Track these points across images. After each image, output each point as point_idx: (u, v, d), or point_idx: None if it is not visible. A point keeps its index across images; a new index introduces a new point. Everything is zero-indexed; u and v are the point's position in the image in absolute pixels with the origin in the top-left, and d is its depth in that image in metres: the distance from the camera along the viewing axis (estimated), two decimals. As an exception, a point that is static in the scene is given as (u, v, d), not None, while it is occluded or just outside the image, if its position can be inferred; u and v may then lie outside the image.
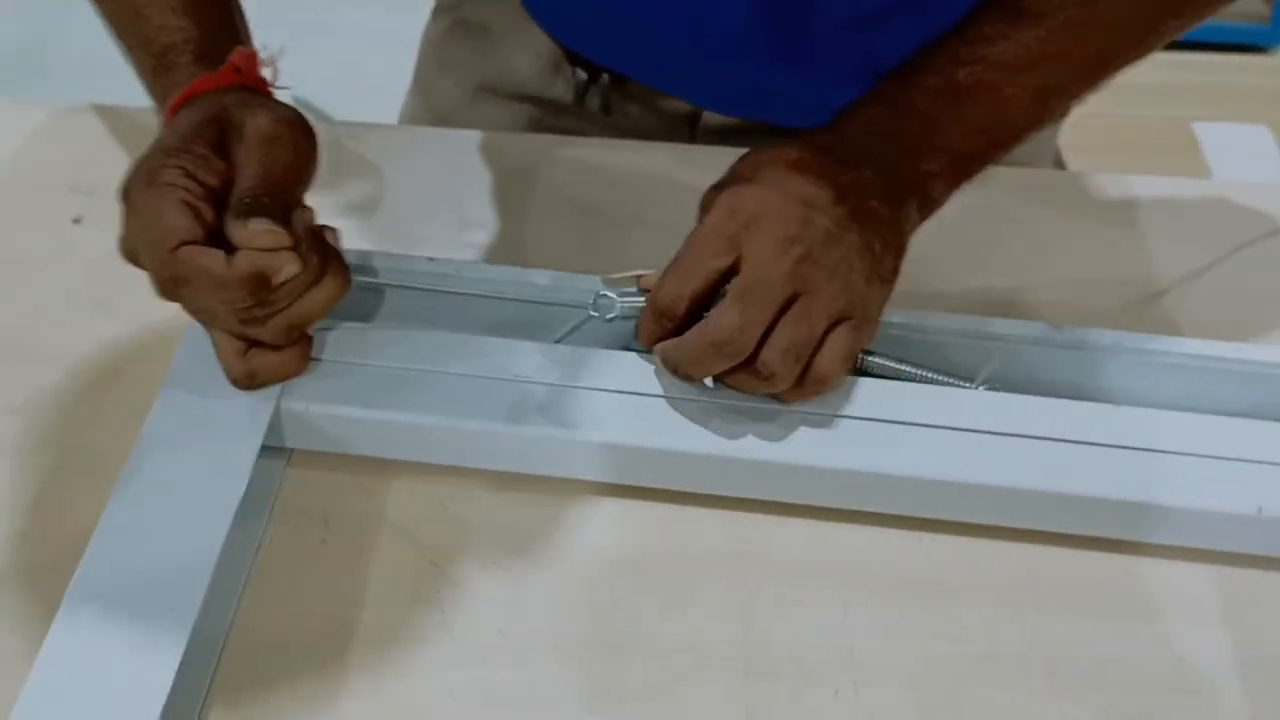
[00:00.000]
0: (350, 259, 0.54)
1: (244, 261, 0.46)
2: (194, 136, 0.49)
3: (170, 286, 0.48)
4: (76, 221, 0.65)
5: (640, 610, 0.52)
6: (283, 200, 0.48)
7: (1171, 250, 0.68)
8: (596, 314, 0.55)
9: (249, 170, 0.48)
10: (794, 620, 0.52)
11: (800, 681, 0.50)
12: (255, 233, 0.46)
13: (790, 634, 0.51)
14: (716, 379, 0.52)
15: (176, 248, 0.46)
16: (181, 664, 0.45)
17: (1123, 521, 0.53)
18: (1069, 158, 0.83)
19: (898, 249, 0.53)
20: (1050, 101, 0.52)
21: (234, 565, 0.51)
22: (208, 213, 0.47)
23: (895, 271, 0.53)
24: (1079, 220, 0.69)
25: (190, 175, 0.47)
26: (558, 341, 0.58)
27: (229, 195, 0.48)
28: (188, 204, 0.47)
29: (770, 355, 0.48)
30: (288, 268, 0.47)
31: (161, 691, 0.44)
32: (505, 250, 0.66)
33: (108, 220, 0.64)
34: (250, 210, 0.47)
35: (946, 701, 0.50)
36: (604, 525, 0.55)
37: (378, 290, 0.59)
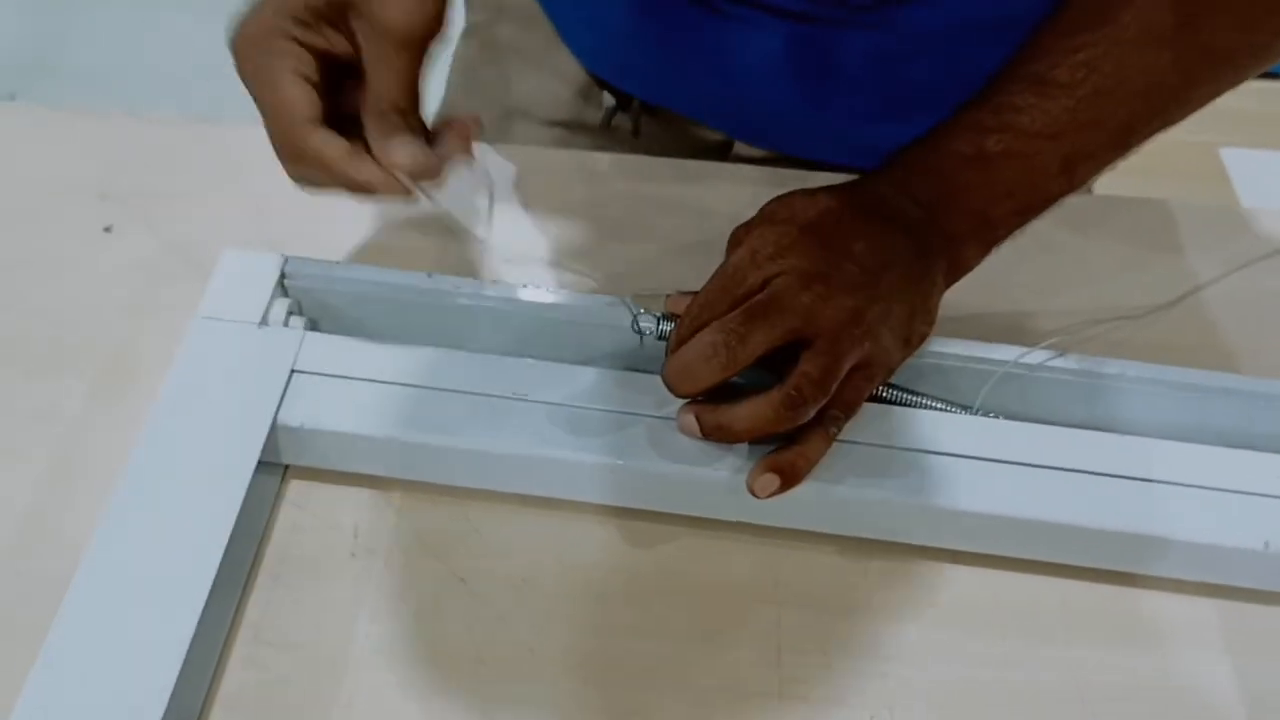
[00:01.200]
0: (351, 273, 0.56)
1: (368, 173, 0.47)
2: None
3: (286, 159, 0.48)
4: (107, 230, 0.65)
5: (671, 634, 0.52)
6: (419, 116, 0.48)
7: (1190, 274, 0.68)
8: (636, 331, 0.55)
9: (388, 79, 0.46)
10: (826, 646, 0.52)
11: (834, 707, 0.50)
12: (401, 162, 0.46)
13: (822, 660, 0.51)
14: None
15: (298, 128, 0.47)
16: (178, 680, 0.45)
17: (1128, 554, 0.53)
18: (1097, 181, 0.82)
19: (926, 313, 0.53)
20: (1079, 169, 0.52)
21: (231, 579, 0.51)
22: (321, 84, 0.47)
23: (923, 338, 0.53)
24: (1102, 243, 0.69)
25: (304, 45, 0.46)
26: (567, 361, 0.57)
27: (344, 64, 0.47)
28: (304, 78, 0.46)
29: (804, 383, 0.48)
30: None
31: (158, 708, 0.44)
32: (526, 266, 0.66)
33: (138, 228, 0.65)
34: (395, 129, 0.47)
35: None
36: (634, 548, 0.55)
37: (377, 305, 0.58)
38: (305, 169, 0.48)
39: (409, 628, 0.51)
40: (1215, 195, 1.28)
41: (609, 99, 0.78)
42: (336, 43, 0.47)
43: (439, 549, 0.53)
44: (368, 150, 0.48)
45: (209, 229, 0.65)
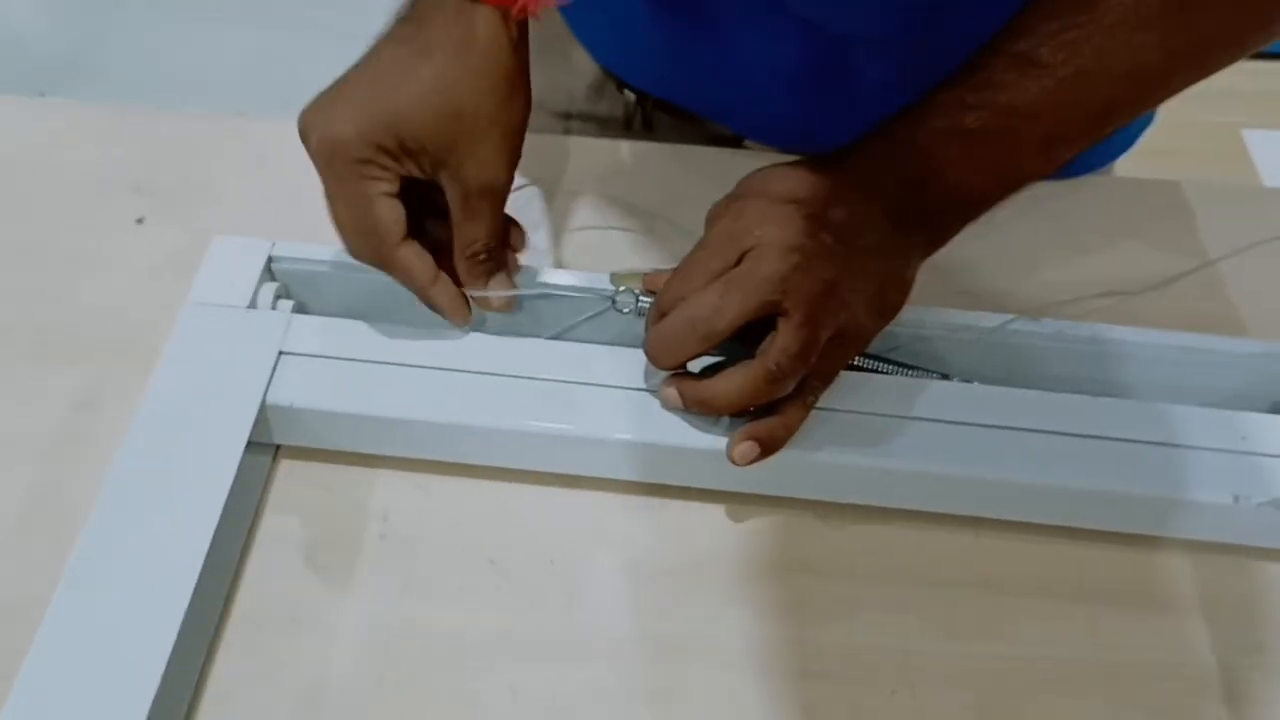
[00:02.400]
0: (337, 256, 0.57)
1: (443, 300, 0.53)
2: (406, 135, 0.49)
3: (365, 261, 0.52)
4: (139, 222, 0.66)
5: (697, 610, 0.52)
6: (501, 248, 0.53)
7: (1206, 251, 0.68)
8: (615, 308, 0.56)
9: (479, 228, 0.51)
10: (848, 621, 0.52)
11: (857, 683, 0.50)
12: (496, 306, 0.55)
13: (845, 635, 0.52)
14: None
15: (389, 249, 0.51)
16: (171, 658, 0.45)
17: (1108, 513, 0.54)
18: (1118, 162, 0.82)
19: (902, 284, 0.53)
20: (1057, 148, 0.52)
21: (222, 561, 0.52)
22: (404, 198, 0.51)
23: (897, 308, 0.53)
24: (1119, 223, 0.69)
25: (391, 170, 0.49)
26: (551, 338, 0.58)
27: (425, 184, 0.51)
28: (393, 197, 0.50)
29: (784, 357, 0.48)
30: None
31: (150, 687, 0.44)
32: (534, 250, 0.66)
33: (170, 221, 0.66)
34: (486, 272, 0.53)
35: (1004, 706, 0.50)
36: (655, 525, 0.55)
37: (365, 287, 0.58)
38: (385, 270, 0.53)
39: (454, 610, 0.52)
40: (1238, 176, 1.27)
41: (628, 95, 0.78)
42: (417, 172, 0.50)
43: (470, 528, 0.54)
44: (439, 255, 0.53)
45: (240, 222, 0.66)
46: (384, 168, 0.49)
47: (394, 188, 0.50)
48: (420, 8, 0.49)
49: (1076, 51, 0.49)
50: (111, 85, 2.03)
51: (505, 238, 0.55)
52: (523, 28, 0.49)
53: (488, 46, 0.48)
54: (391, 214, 0.50)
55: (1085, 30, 0.49)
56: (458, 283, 0.54)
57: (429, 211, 0.53)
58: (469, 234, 0.52)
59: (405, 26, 0.50)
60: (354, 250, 0.52)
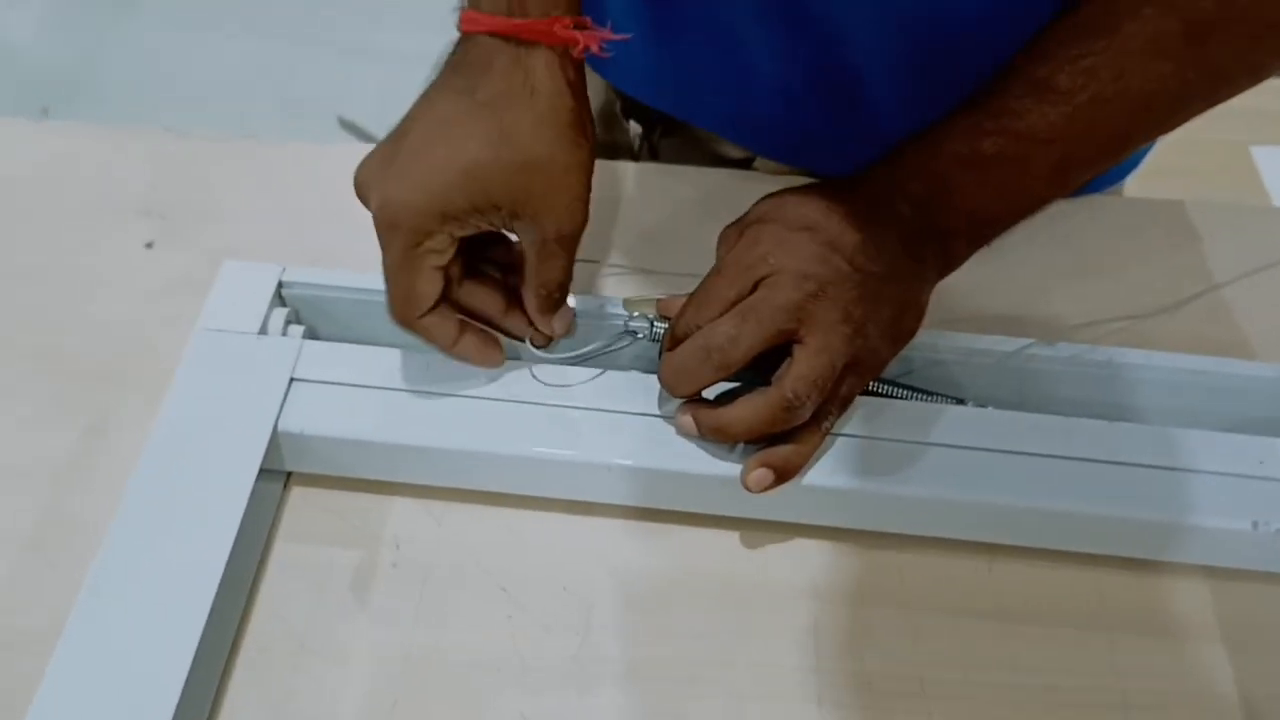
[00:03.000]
0: (347, 281, 0.58)
1: (466, 353, 0.53)
2: (477, 195, 0.48)
3: (398, 323, 0.52)
4: (149, 246, 0.66)
5: (711, 637, 0.52)
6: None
7: (1216, 272, 0.67)
8: (629, 334, 0.55)
9: (555, 271, 0.51)
10: (863, 649, 0.52)
11: (873, 710, 0.50)
12: (560, 332, 0.54)
13: (859, 663, 0.51)
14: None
15: (416, 316, 0.51)
16: (185, 687, 0.45)
17: (1125, 538, 0.54)
18: (1126, 179, 0.82)
19: (916, 309, 0.53)
20: (1071, 173, 0.52)
21: (235, 589, 0.51)
22: (454, 267, 0.51)
23: (911, 334, 0.53)
24: (1129, 243, 0.69)
25: (451, 235, 0.49)
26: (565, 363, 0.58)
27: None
28: (440, 269, 0.50)
29: (800, 385, 0.48)
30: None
31: (168, 711, 0.44)
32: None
33: (178, 244, 0.66)
34: (555, 305, 0.53)
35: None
36: (667, 551, 0.55)
37: (374, 312, 0.57)
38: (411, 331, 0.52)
39: (467, 638, 0.52)
40: (1247, 193, 1.27)
41: (634, 125, 0.78)
42: (488, 226, 0.49)
43: (480, 555, 0.54)
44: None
45: (249, 244, 0.66)
46: (445, 236, 0.49)
47: (444, 260, 0.50)
48: (473, 54, 0.47)
49: (1094, 78, 0.49)
50: (112, 102, 2.03)
51: None
52: (580, 68, 0.48)
53: (551, 92, 0.47)
54: (429, 287, 0.50)
55: (1103, 57, 0.49)
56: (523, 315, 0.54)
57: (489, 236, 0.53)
58: (544, 276, 0.51)
59: (460, 76, 0.48)
60: (388, 306, 0.51)
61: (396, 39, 2.14)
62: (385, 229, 0.48)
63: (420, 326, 0.51)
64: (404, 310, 0.51)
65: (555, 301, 0.53)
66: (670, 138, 0.79)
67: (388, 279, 0.50)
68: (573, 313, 0.55)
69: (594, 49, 0.47)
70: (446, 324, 0.52)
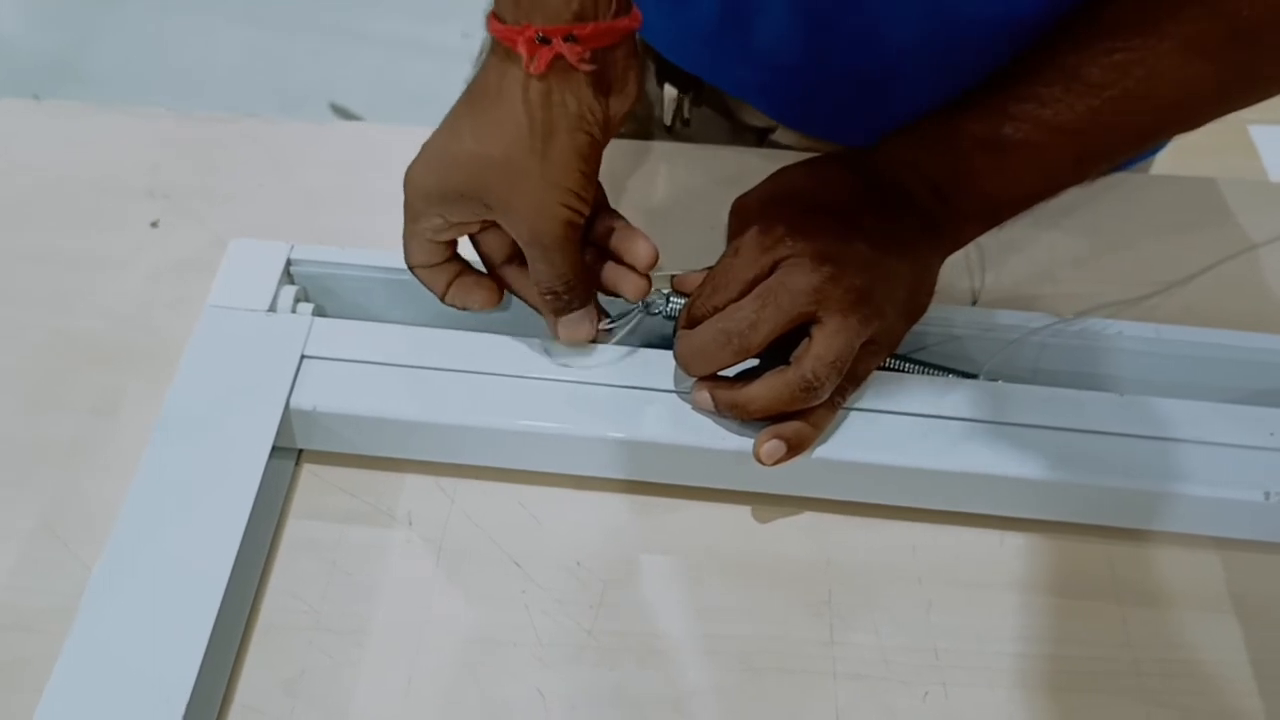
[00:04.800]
0: (355, 258, 0.58)
1: (457, 294, 0.53)
2: (451, 187, 0.48)
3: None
4: (154, 225, 0.66)
5: (724, 611, 0.52)
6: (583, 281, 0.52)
7: (1208, 249, 0.67)
8: (645, 311, 0.55)
9: (550, 272, 0.50)
10: (878, 622, 0.52)
11: (889, 684, 0.50)
12: (575, 340, 0.53)
13: (875, 636, 0.51)
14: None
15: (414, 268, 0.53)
16: (201, 667, 0.45)
17: (1137, 510, 0.54)
18: (1156, 159, 0.83)
19: (928, 286, 0.53)
20: (1091, 164, 0.52)
21: (248, 568, 0.51)
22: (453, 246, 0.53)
23: (924, 309, 0.53)
24: (1139, 222, 0.69)
25: (444, 219, 0.50)
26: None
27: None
28: (439, 244, 0.52)
29: (819, 366, 0.48)
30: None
31: (181, 698, 0.44)
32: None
33: (184, 223, 0.65)
34: (564, 307, 0.52)
35: (1036, 706, 0.50)
36: (681, 526, 0.55)
37: (382, 289, 0.59)
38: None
39: (483, 613, 0.51)
40: (1245, 171, 1.28)
41: (669, 91, 0.77)
42: (474, 217, 0.50)
43: (493, 531, 0.54)
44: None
45: (254, 224, 0.65)
46: (436, 217, 0.50)
47: (441, 237, 0.51)
48: (485, 55, 0.48)
49: (1126, 74, 0.48)
50: (103, 88, 2.03)
51: (588, 274, 0.53)
52: (568, 76, 0.46)
53: (511, 98, 0.46)
54: (423, 256, 0.52)
55: (1138, 54, 0.48)
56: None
57: None
58: (535, 276, 0.51)
59: (472, 78, 0.49)
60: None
61: (390, 25, 2.14)
62: (404, 204, 0.50)
63: (417, 274, 0.53)
64: (406, 260, 0.53)
65: (554, 303, 0.52)
66: (700, 107, 0.78)
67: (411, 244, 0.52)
68: (590, 325, 0.53)
69: (570, 60, 0.44)
70: (439, 277, 0.53)
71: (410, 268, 0.53)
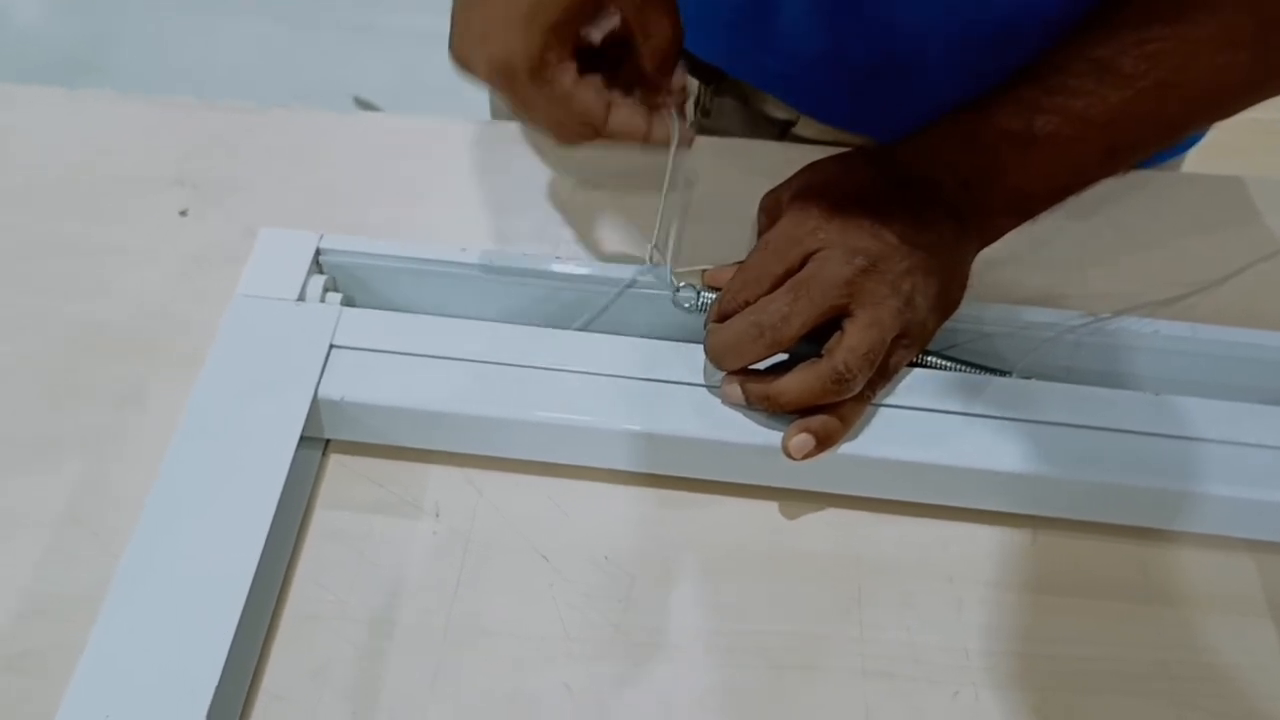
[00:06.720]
0: (384, 248, 0.57)
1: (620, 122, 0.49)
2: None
3: (579, 141, 0.50)
4: (183, 214, 0.66)
5: (752, 608, 0.52)
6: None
7: (1239, 249, 0.67)
8: (676, 305, 0.55)
9: (662, 25, 0.47)
10: (908, 621, 0.51)
11: (919, 683, 0.49)
12: (680, 84, 0.50)
13: (905, 635, 0.51)
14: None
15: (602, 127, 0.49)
16: (228, 658, 0.45)
17: (1168, 511, 0.53)
18: (1187, 156, 0.82)
19: (961, 280, 0.53)
20: (1122, 157, 0.52)
21: (275, 558, 0.51)
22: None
23: (956, 304, 0.53)
24: (1174, 221, 0.68)
25: (570, 51, 0.47)
26: (581, 328, 0.58)
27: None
28: (584, 81, 0.48)
29: (852, 358, 0.48)
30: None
31: (208, 688, 0.44)
32: (585, 242, 0.66)
33: (213, 212, 0.65)
34: (674, 65, 0.49)
35: (1067, 707, 0.49)
36: (709, 521, 0.54)
37: (411, 280, 0.59)
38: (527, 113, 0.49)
39: (510, 607, 0.51)
40: (1276, 170, 1.26)
41: (692, 82, 0.77)
42: (590, 22, 0.47)
43: (520, 523, 0.54)
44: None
45: (283, 212, 0.65)
46: (569, 54, 0.47)
47: (577, 68, 0.48)
48: None
49: (1158, 64, 0.48)
50: (122, 82, 2.03)
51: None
52: None
53: None
54: (592, 97, 0.48)
55: (1170, 44, 0.48)
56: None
57: None
58: (652, 36, 0.48)
59: None
60: (564, 137, 0.50)
61: (411, 19, 2.14)
62: (504, 79, 0.47)
63: (613, 130, 0.49)
64: (588, 130, 0.49)
65: (673, 62, 0.49)
66: (721, 98, 0.78)
67: (537, 121, 0.49)
68: (686, 74, 0.51)
69: None
70: (637, 120, 0.50)
71: (588, 120, 0.49)
